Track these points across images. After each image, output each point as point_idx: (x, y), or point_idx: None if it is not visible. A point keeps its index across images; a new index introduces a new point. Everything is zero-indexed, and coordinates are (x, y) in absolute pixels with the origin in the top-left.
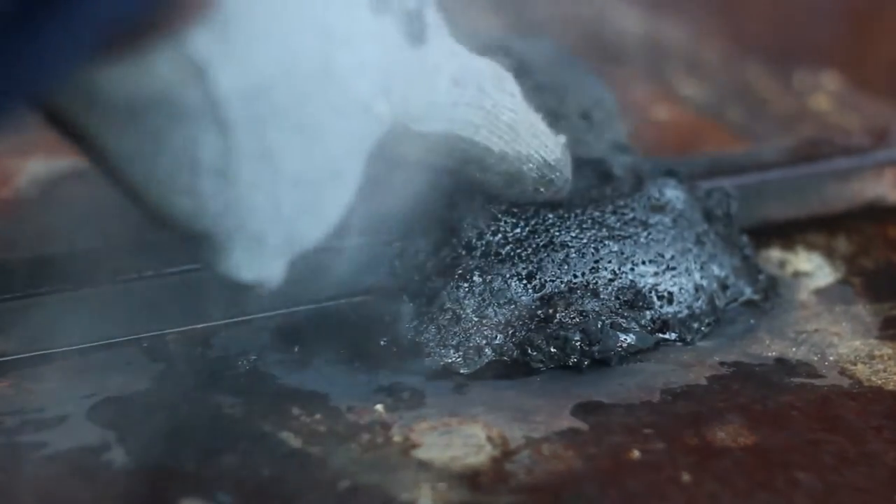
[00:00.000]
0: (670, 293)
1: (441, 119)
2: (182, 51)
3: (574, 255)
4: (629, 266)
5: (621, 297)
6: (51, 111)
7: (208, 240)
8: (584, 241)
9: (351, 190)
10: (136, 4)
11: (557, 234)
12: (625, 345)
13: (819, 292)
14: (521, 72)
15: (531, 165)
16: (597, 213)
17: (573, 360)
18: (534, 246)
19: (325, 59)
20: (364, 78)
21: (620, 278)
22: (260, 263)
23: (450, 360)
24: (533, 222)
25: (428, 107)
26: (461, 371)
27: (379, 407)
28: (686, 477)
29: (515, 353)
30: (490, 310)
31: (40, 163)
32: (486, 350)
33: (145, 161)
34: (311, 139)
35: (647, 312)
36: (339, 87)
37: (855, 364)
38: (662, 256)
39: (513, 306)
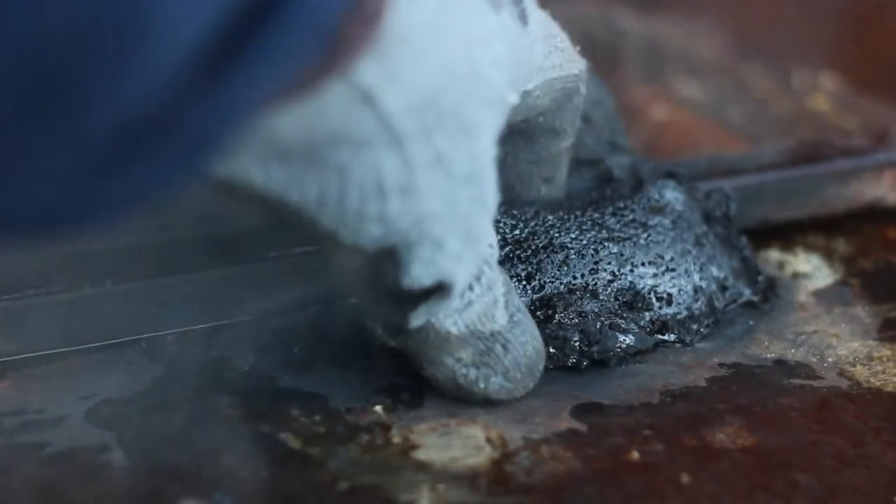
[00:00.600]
0: (669, 294)
1: (539, 75)
2: (350, 83)
3: (574, 256)
4: (629, 268)
5: (620, 298)
6: (225, 181)
7: (389, 259)
8: (584, 242)
9: (495, 176)
10: (305, 53)
11: (557, 235)
12: (624, 345)
13: (818, 294)
14: None
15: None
16: (596, 215)
17: (572, 360)
18: (533, 247)
19: (472, 62)
20: (500, 71)
21: (620, 280)
22: (443, 266)
23: None
24: (532, 224)
25: (532, 71)
26: None
27: (378, 408)
28: (685, 478)
29: None
30: None
31: None
32: None
33: (332, 202)
34: (471, 136)
35: (647, 314)
36: (485, 84)
37: (854, 365)
38: (662, 258)
39: None
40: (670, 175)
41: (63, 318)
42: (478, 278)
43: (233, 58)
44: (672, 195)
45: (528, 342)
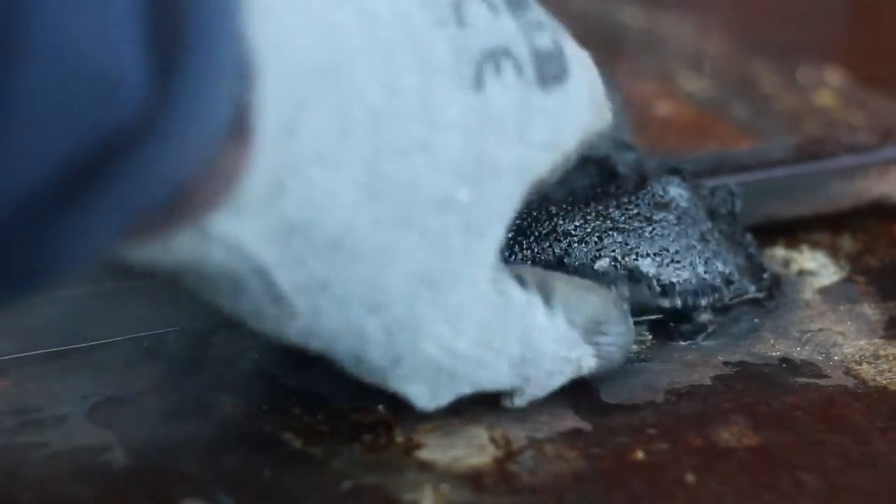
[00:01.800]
0: (672, 283)
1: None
2: (203, 230)
3: (576, 243)
4: (633, 256)
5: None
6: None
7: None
8: (588, 230)
9: (472, 300)
10: (163, 193)
11: (560, 223)
12: (626, 295)
13: (824, 291)
14: None
15: None
16: (600, 207)
17: None
18: (535, 234)
19: (379, 185)
20: (441, 174)
21: (623, 263)
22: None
23: None
24: (535, 213)
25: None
26: None
27: (381, 407)
28: (690, 478)
29: None
30: None
31: None
32: None
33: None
34: (364, 260)
35: (647, 291)
36: (404, 203)
37: (860, 364)
38: (667, 251)
39: None
40: (675, 171)
41: (63, 317)
42: (527, 379)
43: (74, 199)
44: (676, 191)
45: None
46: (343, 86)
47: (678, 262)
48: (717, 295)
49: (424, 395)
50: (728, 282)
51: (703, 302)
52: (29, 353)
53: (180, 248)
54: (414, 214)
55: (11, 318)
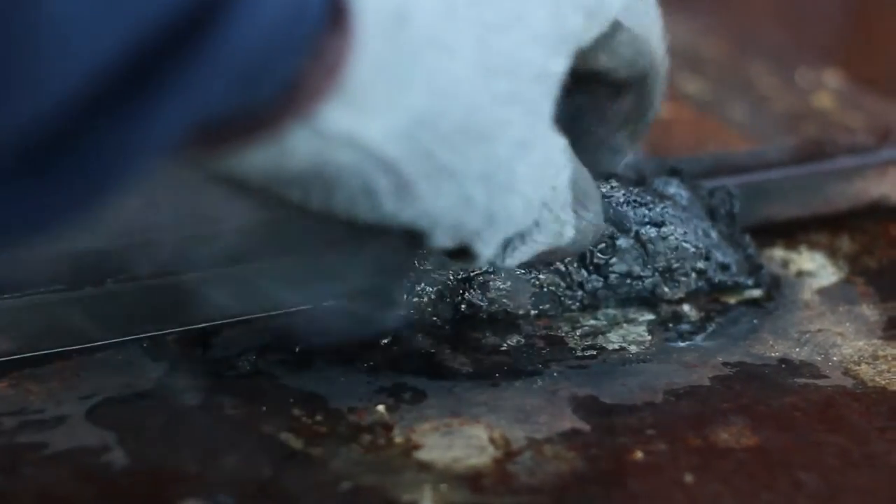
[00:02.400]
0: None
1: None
2: (316, 130)
3: None
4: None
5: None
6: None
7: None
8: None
9: (545, 152)
10: (222, 93)
11: None
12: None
13: (822, 292)
14: None
15: None
16: (605, 191)
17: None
18: None
19: (489, 61)
20: (536, 46)
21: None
22: (465, 239)
23: None
24: None
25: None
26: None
27: (380, 408)
28: (689, 478)
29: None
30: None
31: None
32: None
33: (319, 204)
34: (488, 140)
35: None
36: (509, 78)
37: (859, 364)
38: (673, 227)
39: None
40: (674, 172)
41: (63, 318)
42: (536, 223)
43: (138, 89)
44: (675, 190)
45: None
46: None
47: (686, 241)
48: (715, 276)
49: (502, 254)
50: (725, 268)
51: (701, 266)
52: (29, 354)
53: (299, 149)
54: (520, 87)
55: (12, 318)
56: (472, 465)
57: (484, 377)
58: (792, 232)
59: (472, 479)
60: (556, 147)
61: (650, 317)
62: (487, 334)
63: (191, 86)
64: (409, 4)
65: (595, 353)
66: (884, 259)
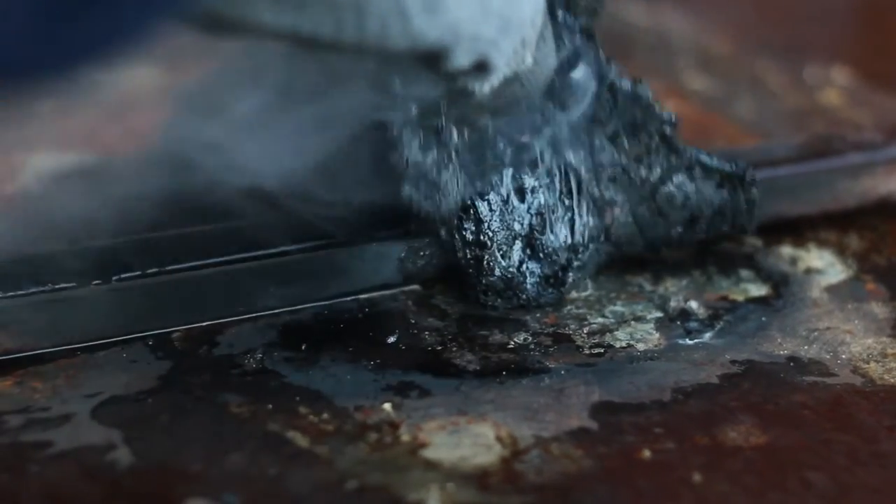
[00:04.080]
0: None
1: None
2: None
3: None
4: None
5: None
6: (223, 18)
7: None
8: None
9: None
10: None
11: None
12: None
13: (831, 289)
14: None
15: None
16: None
17: None
18: None
19: None
20: None
21: None
22: (481, 51)
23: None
24: None
25: None
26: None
27: (387, 406)
28: (697, 477)
29: None
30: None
31: (45, 158)
32: None
33: (350, 29)
34: None
35: None
36: None
37: (867, 362)
38: None
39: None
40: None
41: (68, 316)
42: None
43: None
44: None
45: None
46: None
47: None
48: None
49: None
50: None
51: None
52: (34, 353)
53: None
54: None
55: (17, 315)
56: (479, 463)
57: (491, 375)
58: (800, 229)
59: (478, 478)
60: None
61: (658, 314)
62: (494, 332)
63: None
64: None
65: (602, 350)
66: (892, 256)
